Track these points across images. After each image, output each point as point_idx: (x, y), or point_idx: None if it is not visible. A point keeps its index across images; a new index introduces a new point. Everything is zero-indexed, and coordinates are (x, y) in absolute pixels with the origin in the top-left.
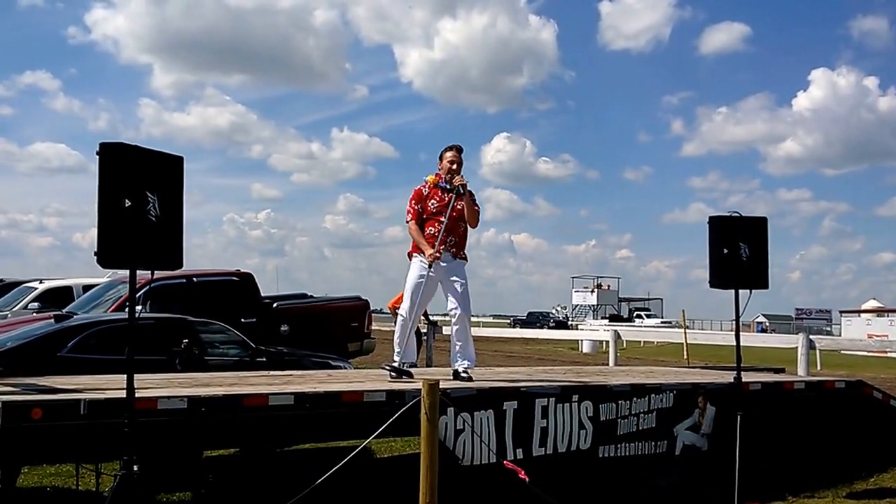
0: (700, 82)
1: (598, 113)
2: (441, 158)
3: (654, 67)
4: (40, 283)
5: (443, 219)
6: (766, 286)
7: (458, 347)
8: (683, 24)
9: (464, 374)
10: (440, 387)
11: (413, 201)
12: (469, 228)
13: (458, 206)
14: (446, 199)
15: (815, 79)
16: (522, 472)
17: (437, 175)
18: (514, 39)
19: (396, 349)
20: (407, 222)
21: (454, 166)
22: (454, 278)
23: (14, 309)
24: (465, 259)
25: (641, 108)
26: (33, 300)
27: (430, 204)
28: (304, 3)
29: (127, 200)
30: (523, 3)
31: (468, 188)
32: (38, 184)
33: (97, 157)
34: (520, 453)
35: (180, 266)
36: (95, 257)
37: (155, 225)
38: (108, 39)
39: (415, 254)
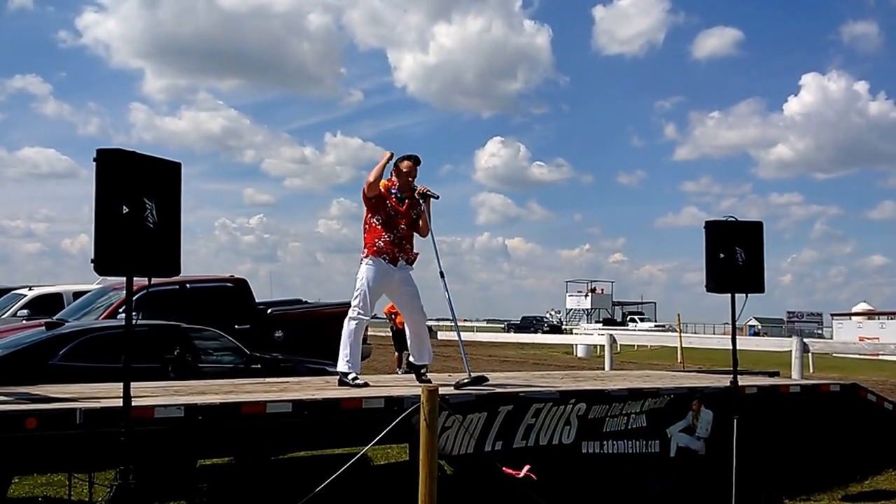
0: (693, 87)
1: (591, 117)
2: (396, 166)
3: (647, 72)
4: (29, 289)
5: (403, 225)
6: (762, 290)
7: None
8: (677, 29)
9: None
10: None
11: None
12: (417, 237)
13: (418, 213)
14: (403, 207)
15: (806, 83)
16: (524, 473)
17: (389, 181)
18: (508, 44)
19: (345, 357)
20: (365, 197)
21: (411, 178)
22: (408, 287)
23: (3, 316)
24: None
25: (635, 112)
26: (22, 307)
27: (387, 204)
28: (298, 8)
29: (124, 207)
30: (518, 8)
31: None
32: (27, 189)
33: (94, 163)
34: (499, 445)
35: (178, 273)
36: (92, 264)
37: (152, 231)
38: (100, 44)
39: (371, 256)
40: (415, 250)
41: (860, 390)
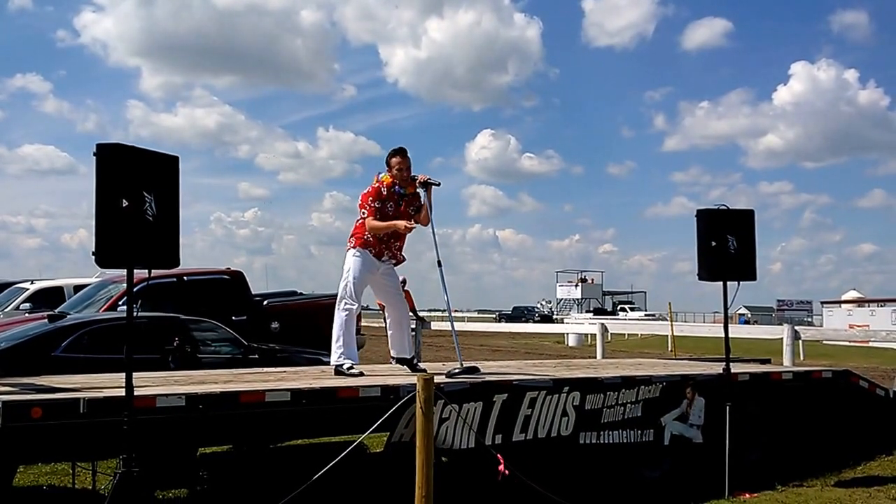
0: (682, 77)
1: (582, 109)
2: (388, 165)
3: (637, 63)
4: (31, 283)
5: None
6: (753, 278)
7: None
8: (666, 20)
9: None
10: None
11: (371, 198)
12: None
13: (417, 208)
14: (402, 205)
15: (795, 72)
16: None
17: (392, 176)
18: (499, 37)
19: (339, 349)
20: (363, 219)
21: (405, 171)
22: (390, 279)
23: (6, 310)
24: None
25: (624, 103)
26: (25, 301)
27: (388, 206)
28: (291, 5)
29: (124, 200)
30: (508, 2)
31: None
32: (28, 186)
33: (94, 157)
34: (499, 439)
35: (177, 265)
36: (93, 257)
37: (152, 224)
38: (97, 42)
39: (358, 247)
40: (404, 252)
41: (852, 377)
